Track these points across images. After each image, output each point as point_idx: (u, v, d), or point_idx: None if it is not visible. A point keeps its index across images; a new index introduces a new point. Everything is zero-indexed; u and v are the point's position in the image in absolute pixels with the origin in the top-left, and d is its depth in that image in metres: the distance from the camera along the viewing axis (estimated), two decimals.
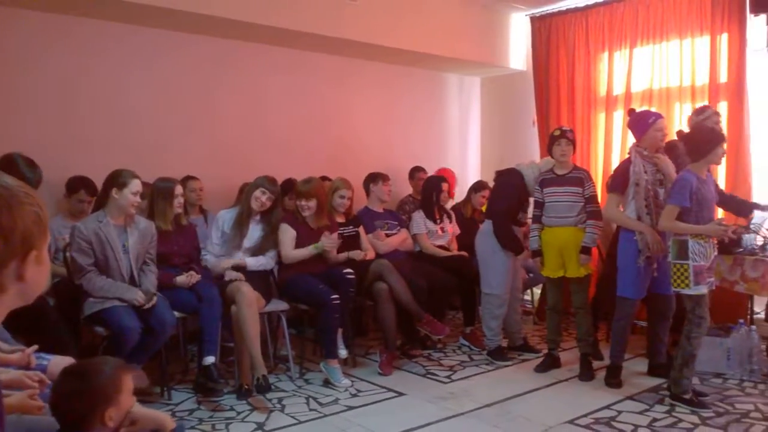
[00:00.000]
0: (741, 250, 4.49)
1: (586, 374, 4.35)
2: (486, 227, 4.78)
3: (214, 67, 5.33)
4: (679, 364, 3.81)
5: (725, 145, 3.84)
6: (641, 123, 4.15)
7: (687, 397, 3.78)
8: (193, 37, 5.17)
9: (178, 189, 4.13)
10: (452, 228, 5.39)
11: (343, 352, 4.33)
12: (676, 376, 3.83)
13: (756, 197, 5.09)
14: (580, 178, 4.39)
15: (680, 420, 3.63)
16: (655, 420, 3.64)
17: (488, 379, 4.43)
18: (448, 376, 4.45)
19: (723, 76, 5.31)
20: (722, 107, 5.27)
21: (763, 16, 5.05)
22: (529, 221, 4.64)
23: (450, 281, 4.94)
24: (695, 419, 3.63)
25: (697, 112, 4.52)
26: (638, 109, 4.41)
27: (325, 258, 4.51)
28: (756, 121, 5.20)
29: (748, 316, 4.75)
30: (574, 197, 4.36)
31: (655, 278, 4.11)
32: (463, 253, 5.21)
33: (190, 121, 5.21)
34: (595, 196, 4.43)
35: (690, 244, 3.68)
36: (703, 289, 3.70)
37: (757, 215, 4.80)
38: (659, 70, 5.71)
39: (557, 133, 4.43)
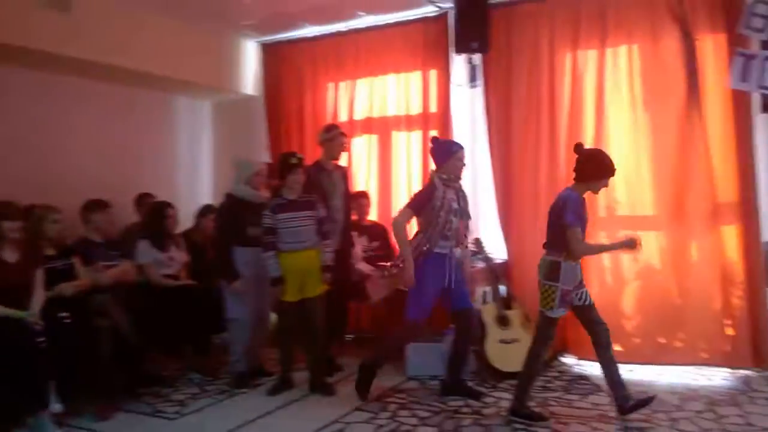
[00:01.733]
0: None
1: (327, 389, 4.46)
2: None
3: None
4: (523, 382, 3.86)
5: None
6: (444, 152, 4.26)
7: (528, 412, 3.86)
8: None
9: None
10: (181, 256, 5.17)
11: (57, 406, 3.76)
12: (519, 394, 3.86)
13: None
14: (312, 202, 4.49)
15: (402, 423, 3.86)
16: (380, 426, 3.83)
17: (221, 409, 4.30)
18: (178, 412, 4.23)
19: (433, 107, 5.90)
20: (433, 134, 5.85)
21: (463, 56, 5.70)
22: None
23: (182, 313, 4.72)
24: (414, 421, 3.91)
25: (326, 129, 5.02)
26: (438, 138, 4.54)
27: None
28: None
29: None
30: (310, 221, 4.43)
31: (454, 293, 4.26)
32: (192, 282, 5.03)
33: None
34: (326, 218, 4.57)
35: (563, 266, 3.69)
36: (563, 312, 3.77)
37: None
38: (379, 101, 6.16)
39: (294, 161, 4.43)
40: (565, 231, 3.66)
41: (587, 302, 3.83)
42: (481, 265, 5.03)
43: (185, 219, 5.60)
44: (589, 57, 5.27)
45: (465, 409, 4.09)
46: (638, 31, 5.08)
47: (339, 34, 6.29)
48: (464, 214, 4.31)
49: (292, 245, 4.38)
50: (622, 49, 5.18)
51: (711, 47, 4.92)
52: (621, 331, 5.02)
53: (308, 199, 4.49)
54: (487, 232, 5.71)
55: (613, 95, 5.19)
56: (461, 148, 4.31)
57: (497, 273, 5.06)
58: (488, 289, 5.09)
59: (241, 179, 4.69)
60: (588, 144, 5.15)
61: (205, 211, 5.55)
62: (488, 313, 4.87)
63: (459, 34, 5.50)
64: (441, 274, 4.19)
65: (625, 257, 5.08)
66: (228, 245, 4.63)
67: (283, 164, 4.46)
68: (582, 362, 4.98)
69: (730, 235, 4.85)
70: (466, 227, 4.37)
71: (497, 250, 5.50)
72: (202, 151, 7.10)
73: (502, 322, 4.82)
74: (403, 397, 4.37)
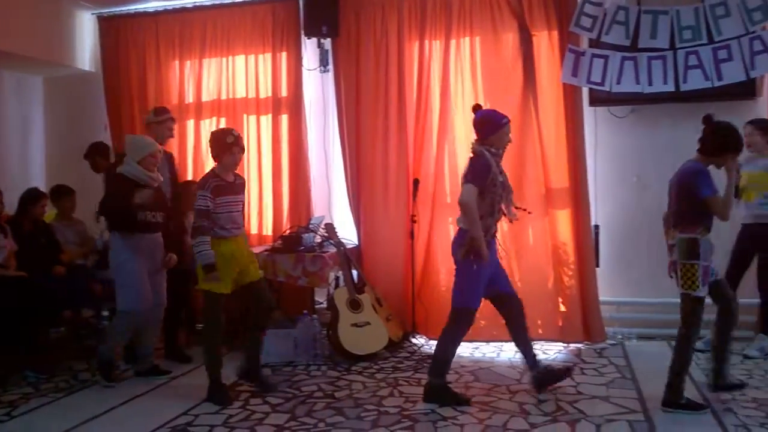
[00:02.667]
0: (302, 248, 4.96)
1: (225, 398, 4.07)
2: (111, 240, 4.37)
3: None
4: (678, 371, 3.65)
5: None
6: (493, 123, 3.90)
7: (683, 401, 3.64)
8: None
9: None
10: (9, 244, 4.73)
11: None
12: (674, 381, 3.64)
13: (314, 201, 5.74)
14: (244, 184, 4.21)
15: (253, 412, 3.81)
16: (230, 417, 3.75)
17: (59, 408, 4.00)
18: (7, 414, 3.88)
19: (284, 91, 5.81)
20: (284, 119, 5.78)
21: (314, 40, 5.67)
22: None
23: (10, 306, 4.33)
24: (267, 408, 3.87)
25: (156, 111, 4.82)
26: (483, 108, 4.12)
27: None
28: (312, 132, 5.81)
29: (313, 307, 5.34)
30: (242, 205, 4.19)
31: (499, 276, 4.01)
32: (21, 273, 4.63)
33: None
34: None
35: (701, 242, 3.56)
36: (707, 290, 3.63)
37: (315, 218, 5.40)
38: (227, 82, 5.96)
39: (231, 139, 3.96)
40: (704, 204, 3.56)
41: (719, 276, 3.83)
42: (333, 249, 5.07)
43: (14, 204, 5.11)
44: (436, 47, 5.45)
45: (318, 394, 4.11)
46: (480, 24, 5.33)
47: (184, 9, 6.02)
48: (509, 190, 3.99)
49: (232, 231, 4.00)
50: (466, 41, 5.40)
51: (546, 43, 5.26)
52: None
53: (241, 182, 4.18)
54: (339, 216, 5.77)
55: (458, 85, 5.40)
56: (509, 120, 4.00)
57: (349, 257, 5.12)
58: (340, 273, 5.15)
59: (134, 159, 4.30)
60: (433, 133, 5.37)
61: (32, 195, 5.06)
62: (340, 297, 4.92)
63: (308, 17, 5.48)
64: (492, 257, 3.90)
65: None
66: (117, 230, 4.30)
67: (220, 142, 3.99)
68: (432, 342, 5.17)
69: (563, 219, 5.24)
70: (508, 205, 3.99)
71: (349, 234, 5.57)
72: (33, 131, 6.52)
73: (354, 306, 4.89)
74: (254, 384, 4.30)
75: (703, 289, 3.59)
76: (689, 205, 3.63)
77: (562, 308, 5.21)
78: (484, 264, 3.77)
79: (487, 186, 3.77)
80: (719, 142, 3.61)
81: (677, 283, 3.68)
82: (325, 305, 5.59)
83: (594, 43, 5.14)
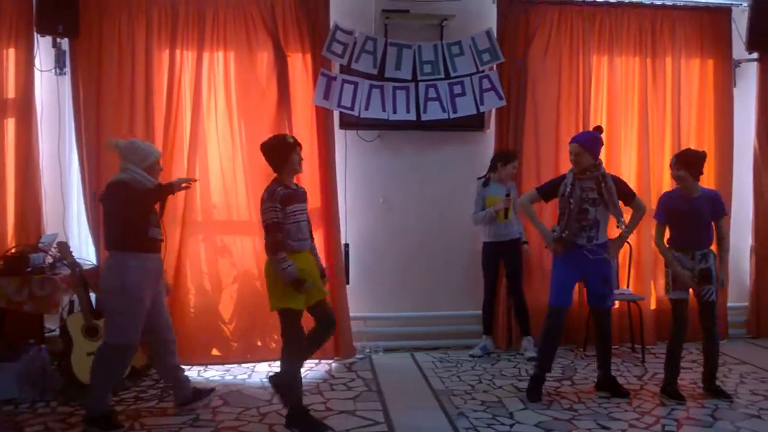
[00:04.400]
0: (29, 269, 4.41)
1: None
2: (112, 260, 3.77)
3: None
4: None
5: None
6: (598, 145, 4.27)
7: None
8: None
9: None
10: None
11: None
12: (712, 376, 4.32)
13: (46, 217, 5.14)
14: (306, 193, 3.98)
15: None
16: None
17: None
18: None
19: (10, 92, 5.14)
20: (10, 123, 5.11)
21: (49, 38, 5.11)
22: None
23: None
24: None
25: None
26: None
27: None
28: (45, 139, 5.21)
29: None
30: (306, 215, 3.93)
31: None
32: None
33: None
34: None
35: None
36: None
37: (46, 235, 4.84)
38: None
39: (291, 139, 3.88)
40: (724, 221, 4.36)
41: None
42: (66, 271, 4.57)
43: None
44: (187, 58, 5.22)
45: None
46: (235, 39, 5.23)
47: None
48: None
49: (303, 243, 3.82)
50: (220, 55, 5.27)
51: (300, 65, 5.34)
52: (220, 335, 5.16)
53: (304, 189, 4.00)
54: (75, 234, 5.24)
55: (211, 100, 5.24)
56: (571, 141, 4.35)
57: (86, 280, 4.65)
58: (75, 297, 4.66)
59: (139, 166, 3.77)
60: (184, 146, 5.14)
61: None
62: (75, 323, 4.44)
63: (41, 12, 4.92)
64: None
65: (223, 263, 5.19)
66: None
67: (283, 145, 3.80)
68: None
69: (316, 238, 5.30)
70: None
71: (87, 254, 5.09)
72: None
73: (91, 333, 4.45)
74: None
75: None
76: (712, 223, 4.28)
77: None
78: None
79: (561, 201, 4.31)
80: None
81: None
82: (57, 333, 5.01)
83: (345, 69, 5.35)
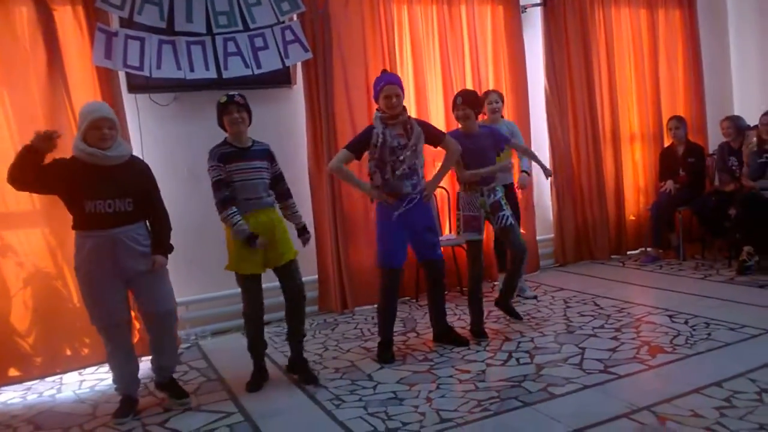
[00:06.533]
0: None
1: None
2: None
3: None
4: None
5: None
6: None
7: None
8: None
9: None
10: None
11: None
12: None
13: None
14: (266, 150, 3.85)
15: None
16: None
17: None
18: None
19: None
20: None
21: None
22: None
23: None
24: None
25: None
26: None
27: None
28: None
29: None
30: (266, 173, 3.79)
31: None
32: None
33: None
34: None
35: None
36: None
37: None
38: None
39: (224, 99, 3.68)
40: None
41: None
42: None
43: None
44: None
45: None
46: None
47: None
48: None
49: (251, 202, 3.69)
50: None
51: (71, 19, 4.51)
52: (17, 353, 4.28)
53: (265, 147, 3.84)
54: None
55: None
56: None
57: None
58: None
59: (79, 132, 3.35)
60: None
61: None
62: None
63: None
64: None
65: (7, 264, 4.29)
66: None
67: (217, 109, 3.71)
68: None
69: None
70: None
71: None
72: None
73: None
74: None
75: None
76: None
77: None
78: None
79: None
80: None
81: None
82: None
83: (126, 23, 4.64)
